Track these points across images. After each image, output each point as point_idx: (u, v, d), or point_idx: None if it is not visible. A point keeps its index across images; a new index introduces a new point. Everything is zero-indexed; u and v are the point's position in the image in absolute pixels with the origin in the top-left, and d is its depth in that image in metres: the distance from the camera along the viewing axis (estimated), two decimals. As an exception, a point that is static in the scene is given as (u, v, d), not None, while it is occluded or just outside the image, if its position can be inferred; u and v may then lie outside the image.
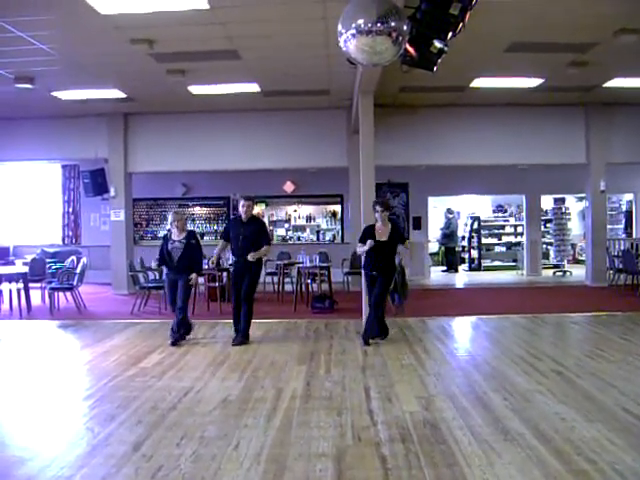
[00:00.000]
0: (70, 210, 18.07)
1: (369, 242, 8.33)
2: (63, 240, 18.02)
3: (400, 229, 9.11)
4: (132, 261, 13.03)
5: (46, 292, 12.44)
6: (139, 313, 11.61)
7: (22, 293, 11.84)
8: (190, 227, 17.03)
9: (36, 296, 12.90)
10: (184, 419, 5.36)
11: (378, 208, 8.58)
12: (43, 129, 14.80)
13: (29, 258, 13.78)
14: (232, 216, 9.30)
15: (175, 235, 8.83)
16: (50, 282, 12.24)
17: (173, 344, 8.63)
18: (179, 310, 8.76)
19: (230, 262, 12.67)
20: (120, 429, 5.11)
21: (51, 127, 14.82)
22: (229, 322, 9.27)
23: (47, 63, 10.25)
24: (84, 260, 12.51)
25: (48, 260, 14.00)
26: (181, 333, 8.80)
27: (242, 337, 8.71)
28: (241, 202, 8.74)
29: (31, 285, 12.35)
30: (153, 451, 4.58)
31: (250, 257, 8.53)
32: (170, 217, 8.96)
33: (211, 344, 8.74)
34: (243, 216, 8.71)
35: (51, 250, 16.13)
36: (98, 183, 14.81)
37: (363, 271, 8.93)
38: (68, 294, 12.41)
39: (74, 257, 13.59)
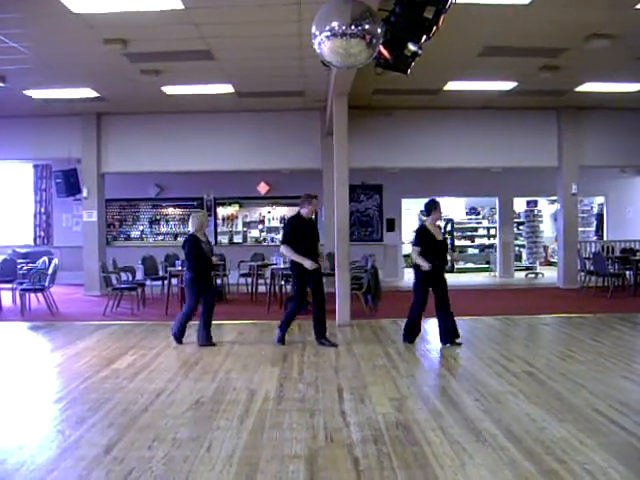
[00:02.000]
0: (42, 210, 17.87)
1: (428, 265, 8.22)
2: (35, 241, 17.81)
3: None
4: (104, 262, 12.93)
5: (17, 293, 12.24)
6: (111, 315, 11.50)
7: (-8, 294, 11.69)
8: (164, 228, 17.01)
9: (7, 297, 12.73)
10: (156, 421, 5.32)
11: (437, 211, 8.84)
12: (15, 128, 14.59)
13: (0, 258, 13.62)
14: (289, 217, 9.11)
15: (202, 236, 8.84)
16: (21, 283, 12.08)
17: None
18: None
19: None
20: (91, 432, 5.06)
21: (23, 126, 14.62)
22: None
23: (19, 62, 10.13)
24: (56, 261, 12.35)
25: (19, 261, 13.82)
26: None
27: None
28: (314, 200, 8.56)
29: (2, 286, 12.20)
30: (125, 454, 4.55)
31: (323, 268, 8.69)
32: (197, 220, 8.78)
33: (183, 345, 8.68)
34: (308, 214, 8.54)
35: (22, 251, 15.92)
36: (70, 183, 14.65)
37: (419, 274, 8.53)
38: (39, 295, 12.23)
39: (46, 258, 13.43)
